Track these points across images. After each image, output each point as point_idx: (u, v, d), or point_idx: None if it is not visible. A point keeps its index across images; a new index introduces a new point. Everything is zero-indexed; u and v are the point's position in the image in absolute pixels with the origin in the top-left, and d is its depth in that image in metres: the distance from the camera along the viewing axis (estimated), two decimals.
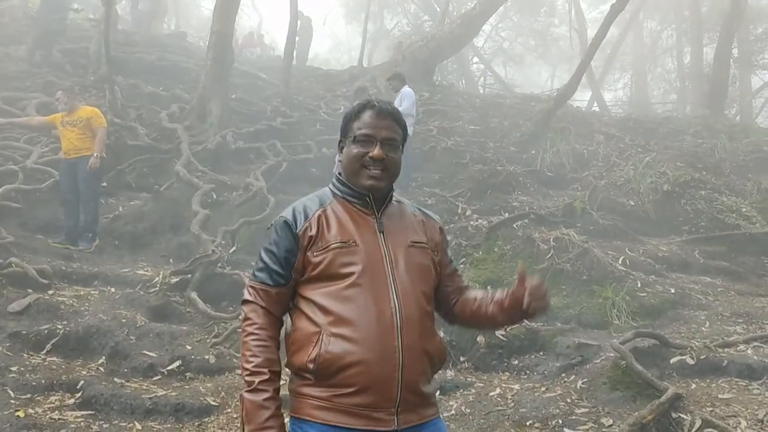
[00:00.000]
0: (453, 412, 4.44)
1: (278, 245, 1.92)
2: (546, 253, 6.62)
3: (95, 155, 7.21)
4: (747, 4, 16.49)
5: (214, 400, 4.43)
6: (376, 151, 1.93)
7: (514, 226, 7.16)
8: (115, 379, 4.66)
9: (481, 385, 4.92)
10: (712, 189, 8.72)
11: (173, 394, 4.47)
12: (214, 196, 8.24)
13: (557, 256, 6.54)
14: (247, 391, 1.79)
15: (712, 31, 20.83)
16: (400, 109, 8.16)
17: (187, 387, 4.67)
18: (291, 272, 1.91)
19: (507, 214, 7.72)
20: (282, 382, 1.87)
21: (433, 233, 2.08)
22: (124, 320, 5.39)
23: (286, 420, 1.84)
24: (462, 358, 5.34)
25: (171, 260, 7.24)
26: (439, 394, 4.72)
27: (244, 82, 13.16)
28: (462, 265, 6.86)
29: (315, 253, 1.88)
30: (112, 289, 6.18)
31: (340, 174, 2.04)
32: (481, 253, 6.92)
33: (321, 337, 1.81)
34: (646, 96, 26.28)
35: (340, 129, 2.07)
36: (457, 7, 20.65)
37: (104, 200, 8.23)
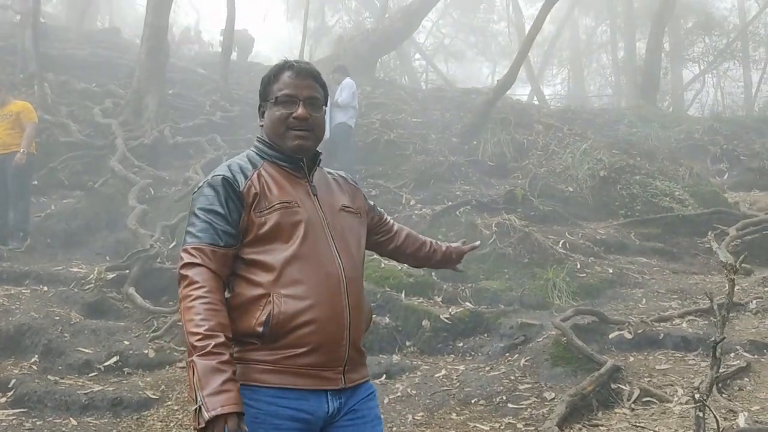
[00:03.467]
0: (399, 394, 4.43)
1: (221, 204, 1.79)
2: (489, 238, 6.71)
3: (22, 151, 6.93)
4: None
5: (153, 394, 4.30)
6: (300, 111, 1.89)
7: (457, 213, 7.24)
8: (49, 377, 4.49)
9: (427, 367, 4.93)
10: (647, 174, 8.97)
11: (110, 389, 4.33)
12: (152, 192, 8.03)
13: (499, 240, 6.64)
14: (199, 356, 1.61)
15: (644, 27, 21.50)
16: (338, 100, 8.11)
17: (125, 382, 4.53)
18: (238, 232, 1.80)
19: (450, 203, 7.78)
20: None
21: (354, 193, 2.09)
22: (57, 318, 5.20)
23: None
24: (408, 343, 5.34)
25: (107, 257, 7.02)
26: (385, 378, 4.72)
27: (182, 77, 12.85)
28: None
29: (259, 213, 1.80)
30: (45, 288, 5.95)
31: (263, 138, 1.98)
32: None
33: (271, 298, 1.75)
34: (583, 90, 26.98)
35: (259, 94, 2.01)
36: (398, 2, 20.68)
37: (35, 199, 7.93)
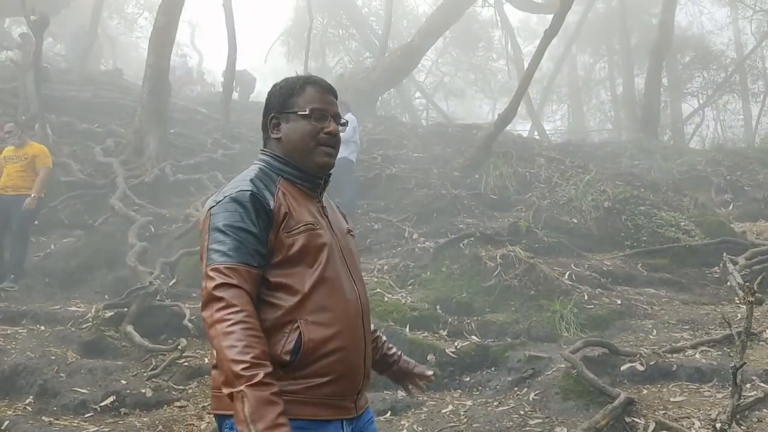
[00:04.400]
0: (405, 431, 4.27)
1: (253, 221, 1.66)
2: (493, 270, 6.60)
3: (33, 195, 6.91)
4: (673, 32, 17.25)
5: None
6: (332, 126, 1.83)
7: (461, 245, 7.13)
8: (44, 418, 4.35)
9: (433, 403, 4.78)
10: (651, 205, 8.89)
11: (106, 430, 4.19)
12: (153, 229, 7.96)
13: (504, 272, 6.52)
14: (249, 386, 1.48)
15: (642, 63, 21.73)
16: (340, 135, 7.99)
17: (121, 422, 4.37)
18: (268, 251, 1.69)
19: (453, 236, 7.69)
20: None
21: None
22: (53, 357, 5.07)
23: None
24: None
25: (106, 296, 6.90)
26: (390, 414, 4.56)
27: (184, 117, 12.93)
28: (410, 287, 6.78)
29: (287, 234, 1.70)
30: (42, 327, 5.83)
31: (278, 155, 1.85)
32: (429, 273, 6.87)
33: (298, 325, 1.65)
34: (583, 126, 27.15)
35: (269, 107, 1.90)
36: (397, 41, 20.94)
37: (35, 238, 7.86)
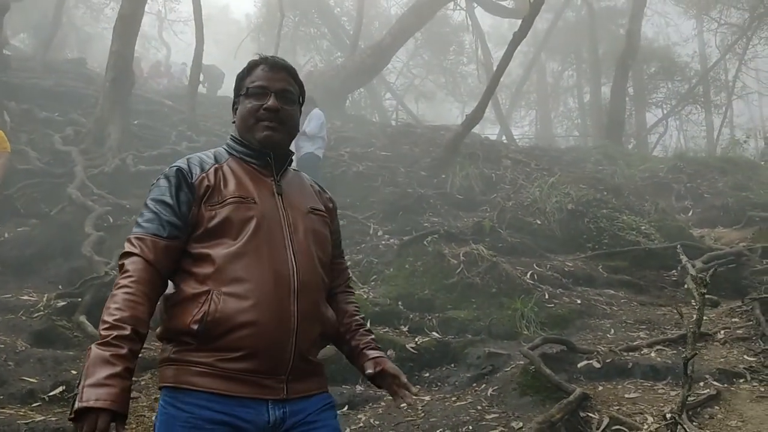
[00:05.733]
0: (361, 425, 4.23)
1: (172, 194, 1.71)
2: (456, 267, 6.60)
3: None
4: (639, 43, 17.54)
5: None
6: (270, 102, 1.82)
7: (425, 243, 7.11)
8: None
9: (391, 398, 4.73)
10: (613, 209, 9.01)
11: (53, 419, 4.05)
12: (111, 220, 7.78)
13: (467, 270, 6.52)
14: (97, 344, 1.51)
15: (609, 72, 22.07)
16: (306, 129, 8.01)
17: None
18: (186, 225, 1.70)
19: (417, 233, 7.67)
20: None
21: (328, 206, 2.00)
22: (2, 346, 4.90)
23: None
24: None
25: (60, 286, 6.69)
26: (348, 408, 4.52)
27: (149, 108, 12.69)
28: (373, 283, 6.75)
29: (209, 207, 1.72)
30: None
31: (234, 135, 1.91)
32: (392, 269, 6.85)
33: (210, 296, 1.62)
34: (550, 132, 27.48)
35: (233, 91, 1.96)
36: (368, 42, 20.92)
37: None
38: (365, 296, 6.11)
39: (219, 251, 1.67)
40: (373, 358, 1.91)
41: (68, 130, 10.26)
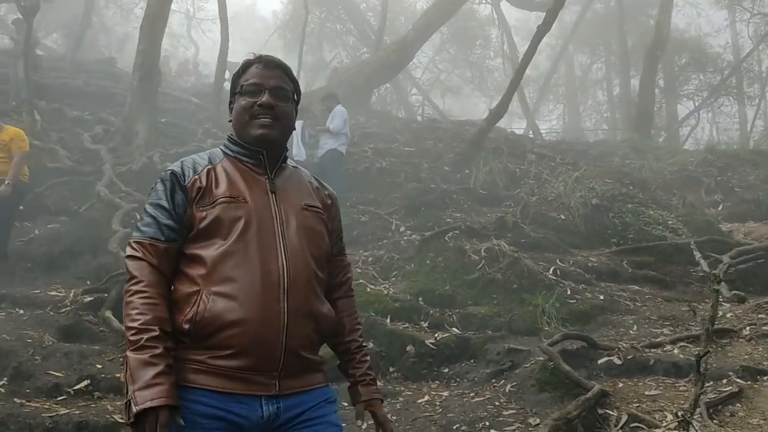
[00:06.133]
0: None
1: (168, 198, 1.76)
2: (477, 263, 6.58)
3: (7, 182, 6.80)
4: (669, 33, 17.24)
5: (121, 418, 4.11)
6: (264, 98, 1.84)
7: (446, 238, 7.10)
8: (15, 400, 4.30)
9: (410, 393, 4.76)
10: (639, 203, 8.88)
11: (77, 412, 4.15)
12: (138, 217, 7.90)
13: (488, 265, 6.50)
14: (132, 350, 1.57)
15: (638, 64, 21.71)
16: (330, 126, 8.05)
17: (93, 406, 4.34)
18: (182, 227, 1.75)
19: (438, 229, 7.66)
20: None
21: (326, 203, 1.99)
22: (29, 340, 5.02)
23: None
24: (391, 368, 5.18)
25: (88, 282, 6.84)
26: None
27: (176, 106, 12.89)
28: (394, 278, 6.76)
29: (201, 208, 1.75)
30: (21, 311, 5.78)
31: (231, 135, 1.93)
32: (413, 265, 6.86)
33: (200, 296, 1.66)
34: (579, 126, 27.15)
35: (229, 91, 1.99)
36: (394, 37, 20.89)
37: (19, 223, 7.80)
38: (386, 292, 6.13)
39: (209, 252, 1.70)
40: (365, 401, 1.94)
41: (97, 128, 10.47)
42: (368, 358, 2.00)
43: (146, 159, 9.21)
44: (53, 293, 6.27)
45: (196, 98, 13.98)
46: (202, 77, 19.73)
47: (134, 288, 1.67)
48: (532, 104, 24.15)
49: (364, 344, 2.01)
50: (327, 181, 8.29)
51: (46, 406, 4.26)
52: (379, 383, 4.86)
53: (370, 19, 23.95)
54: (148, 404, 1.48)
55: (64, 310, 5.75)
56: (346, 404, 3.49)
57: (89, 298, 5.89)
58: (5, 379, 4.63)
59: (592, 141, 19.41)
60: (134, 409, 1.48)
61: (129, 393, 1.52)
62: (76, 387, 4.56)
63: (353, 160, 10.08)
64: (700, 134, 24.58)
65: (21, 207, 7.81)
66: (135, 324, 1.59)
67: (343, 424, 1.90)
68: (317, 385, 1.82)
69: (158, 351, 1.56)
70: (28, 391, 4.50)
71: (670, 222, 8.57)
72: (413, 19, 22.52)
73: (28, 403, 4.29)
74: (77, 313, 5.66)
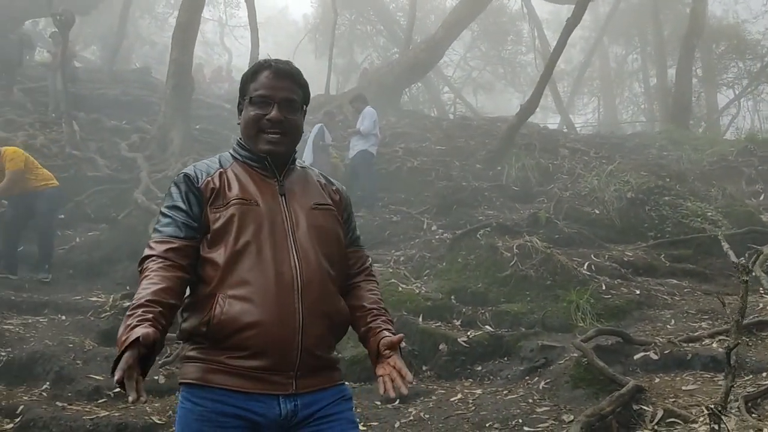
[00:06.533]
0: (411, 418, 4.25)
1: (183, 199, 1.78)
2: (509, 260, 6.52)
3: None
4: (705, 20, 16.84)
5: (159, 419, 4.21)
6: (273, 114, 1.84)
7: (478, 236, 7.07)
8: (57, 403, 4.44)
9: (443, 391, 4.75)
10: (677, 195, 8.70)
11: (116, 414, 4.26)
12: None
13: (521, 262, 6.44)
14: (125, 317, 1.55)
15: (675, 53, 21.24)
16: (360, 128, 8.08)
17: (132, 408, 4.44)
18: (200, 226, 1.77)
19: (470, 227, 7.63)
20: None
21: (335, 198, 1.99)
22: (71, 345, 5.19)
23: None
24: (424, 367, 5.18)
25: (128, 287, 7.00)
26: (399, 402, 4.55)
27: (210, 113, 13.12)
28: (426, 277, 6.76)
29: (214, 210, 1.77)
30: (62, 317, 5.98)
31: (240, 139, 1.95)
32: (444, 264, 6.84)
33: (216, 299, 1.69)
34: (615, 119, 26.69)
35: (239, 90, 1.98)
36: (423, 36, 20.87)
37: (61, 232, 8.04)
38: (417, 291, 6.13)
39: (223, 255, 1.73)
40: (386, 336, 1.84)
41: (134, 137, 10.72)
42: (389, 323, 1.92)
43: (181, 165, 9.36)
44: (94, 299, 6.44)
45: (229, 104, 14.18)
46: (235, 83, 20.00)
47: (144, 281, 1.66)
48: (565, 98, 23.86)
49: (383, 311, 1.94)
50: (359, 182, 8.41)
51: (87, 409, 4.39)
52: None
53: (400, 19, 23.97)
54: (129, 341, 1.44)
55: (104, 315, 5.91)
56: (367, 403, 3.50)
57: (128, 303, 6.00)
58: (48, 383, 4.80)
59: (628, 134, 19.07)
60: (118, 352, 1.45)
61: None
62: (116, 390, 4.68)
63: (384, 160, 10.11)
64: (741, 123, 23.90)
65: (62, 216, 8.05)
66: (134, 302, 1.60)
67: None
68: (334, 382, 1.84)
69: (148, 316, 1.53)
70: (69, 394, 4.64)
71: (709, 214, 8.36)
72: (443, 18, 22.51)
73: (69, 406, 4.42)
74: (117, 317, 5.79)
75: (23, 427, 4.11)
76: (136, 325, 1.49)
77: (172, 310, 1.64)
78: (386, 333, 1.86)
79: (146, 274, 1.68)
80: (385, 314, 1.95)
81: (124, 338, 1.47)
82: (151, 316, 1.54)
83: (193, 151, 10.06)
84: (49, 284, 6.97)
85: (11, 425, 4.18)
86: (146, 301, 1.58)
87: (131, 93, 13.61)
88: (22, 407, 4.30)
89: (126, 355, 1.43)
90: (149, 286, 1.63)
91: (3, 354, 4.98)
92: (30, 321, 5.75)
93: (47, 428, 4.09)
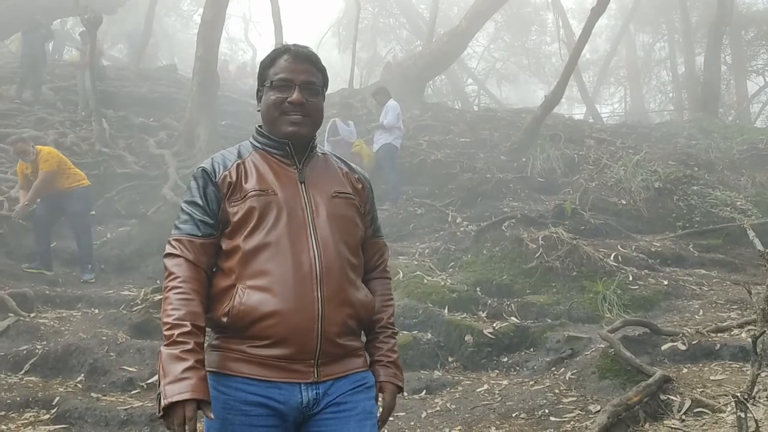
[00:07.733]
0: (438, 408, 4.29)
1: (201, 195, 1.79)
2: (535, 252, 6.52)
3: (24, 203, 7.06)
4: (733, 6, 16.52)
5: None
6: (295, 96, 1.82)
7: (503, 228, 7.07)
8: (92, 394, 4.56)
9: (469, 382, 4.78)
10: (705, 185, 8.61)
11: (150, 405, 4.35)
12: None
13: (546, 254, 6.43)
14: (165, 345, 1.62)
15: (703, 41, 20.86)
16: (384, 122, 8.09)
17: None
18: (218, 222, 1.79)
19: (495, 219, 7.63)
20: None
21: (357, 186, 1.98)
22: (104, 338, 5.30)
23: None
24: (450, 358, 5.21)
25: (158, 281, 7.15)
26: (425, 393, 4.60)
27: (236, 109, 13.24)
28: (451, 269, 6.78)
29: (232, 203, 1.78)
30: (96, 311, 6.13)
31: (260, 126, 1.93)
32: (470, 256, 6.85)
33: (236, 290, 1.72)
34: (642, 108, 26.31)
35: (257, 78, 1.96)
36: (447, 28, 20.80)
37: (93, 227, 8.20)
38: (442, 283, 6.15)
39: (242, 246, 1.74)
40: (380, 381, 1.92)
41: (161, 134, 10.88)
42: (393, 340, 1.98)
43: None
44: (125, 293, 6.59)
45: (253, 100, 14.24)
46: None
47: (171, 284, 1.71)
48: (591, 88, 23.57)
49: (390, 325, 1.99)
50: (383, 175, 8.41)
51: (121, 400, 4.50)
52: (436, 373, 4.92)
53: (423, 11, 23.90)
54: (175, 398, 1.53)
55: (135, 308, 6.04)
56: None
57: (159, 297, 6.15)
58: (82, 374, 4.92)
59: (655, 123, 18.80)
60: (163, 402, 1.54)
61: (160, 387, 1.57)
62: (149, 381, 4.79)
63: (408, 153, 10.12)
64: None
65: (93, 212, 8.21)
66: (169, 320, 1.64)
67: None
68: (356, 369, 1.84)
69: (189, 347, 1.60)
70: (103, 385, 4.75)
71: (738, 203, 8.28)
72: (466, 9, 22.38)
73: (103, 397, 4.54)
74: (148, 310, 5.93)
75: (59, 417, 4.23)
76: (186, 370, 1.58)
77: (204, 333, 1.71)
78: (391, 374, 1.93)
79: (176, 284, 1.71)
80: (391, 328, 1.99)
81: (172, 384, 1.57)
82: (197, 358, 1.62)
83: (219, 147, 10.10)
84: (77, 279, 7.12)
85: (47, 416, 4.30)
86: (190, 329, 1.64)
87: (158, 90, 13.79)
88: (57, 398, 4.43)
89: (188, 410, 1.55)
90: (183, 302, 1.68)
91: (39, 347, 5.11)
92: (64, 315, 5.90)
93: (82, 419, 4.21)
